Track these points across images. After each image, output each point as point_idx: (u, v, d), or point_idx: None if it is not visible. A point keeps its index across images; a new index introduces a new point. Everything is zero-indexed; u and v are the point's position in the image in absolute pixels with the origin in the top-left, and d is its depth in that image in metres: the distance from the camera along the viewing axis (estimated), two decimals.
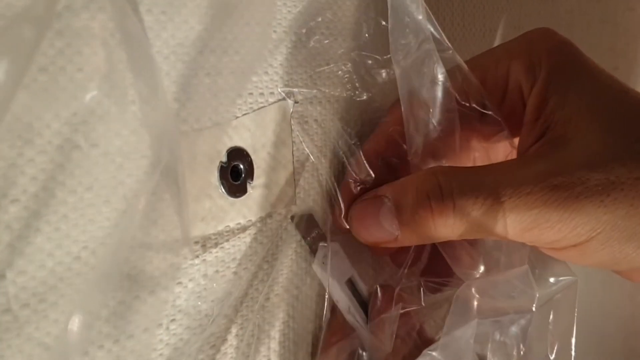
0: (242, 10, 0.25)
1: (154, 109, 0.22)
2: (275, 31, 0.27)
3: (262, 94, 0.27)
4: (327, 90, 0.29)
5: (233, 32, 0.25)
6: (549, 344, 0.27)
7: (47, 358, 0.20)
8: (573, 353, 0.27)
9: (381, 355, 0.28)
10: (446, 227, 0.24)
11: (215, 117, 0.25)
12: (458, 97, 0.26)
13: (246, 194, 0.26)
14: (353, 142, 0.29)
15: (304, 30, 0.28)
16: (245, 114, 0.26)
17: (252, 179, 0.26)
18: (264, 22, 0.26)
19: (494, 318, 0.25)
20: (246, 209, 0.26)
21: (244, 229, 0.26)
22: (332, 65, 0.29)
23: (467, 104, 0.27)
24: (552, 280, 0.27)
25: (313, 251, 0.28)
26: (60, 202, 0.21)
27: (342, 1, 0.29)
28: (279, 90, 0.27)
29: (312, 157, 0.28)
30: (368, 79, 0.30)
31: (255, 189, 0.26)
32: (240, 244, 0.26)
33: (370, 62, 0.30)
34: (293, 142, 0.28)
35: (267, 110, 0.27)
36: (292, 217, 0.28)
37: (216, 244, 0.25)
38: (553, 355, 0.27)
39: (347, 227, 0.28)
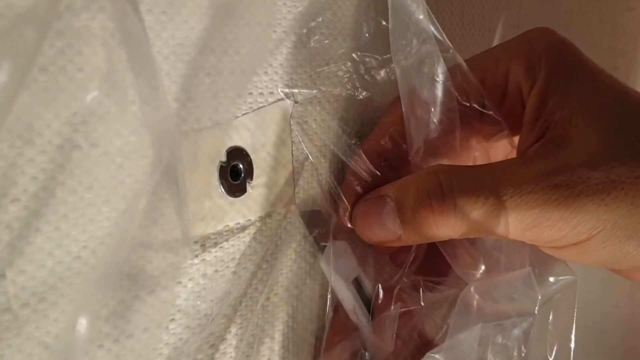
0: (242, 10, 0.25)
1: (154, 109, 0.22)
2: (275, 31, 0.27)
3: (262, 94, 0.27)
4: (327, 90, 0.29)
5: (233, 32, 0.25)
6: (548, 344, 0.27)
7: (47, 357, 0.20)
8: (572, 353, 0.27)
9: (383, 355, 0.28)
10: (447, 226, 0.24)
11: (215, 117, 0.25)
12: (458, 97, 0.26)
13: (246, 194, 0.26)
14: (353, 142, 0.29)
15: (304, 31, 0.28)
16: (245, 114, 0.26)
17: (251, 179, 0.26)
18: (264, 22, 0.26)
19: (497, 321, 0.25)
20: (246, 209, 0.26)
21: (243, 228, 0.26)
22: (332, 65, 0.29)
23: (467, 104, 0.27)
24: (551, 279, 0.27)
25: (320, 248, 0.28)
26: (61, 201, 0.21)
27: (342, 1, 0.29)
28: (279, 90, 0.27)
29: (310, 157, 0.28)
30: (368, 79, 0.30)
31: (255, 189, 0.26)
32: (239, 244, 0.26)
33: (370, 61, 0.30)
34: (293, 142, 0.28)
35: (267, 110, 0.27)
36: (299, 211, 0.28)
37: (216, 244, 0.25)
38: (552, 356, 0.27)
39: (351, 226, 0.28)
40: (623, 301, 0.57)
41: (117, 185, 0.22)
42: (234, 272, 0.26)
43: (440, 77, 0.26)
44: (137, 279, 0.23)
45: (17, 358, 0.20)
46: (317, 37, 0.28)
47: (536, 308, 0.25)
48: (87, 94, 0.21)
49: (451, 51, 0.26)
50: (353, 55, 0.30)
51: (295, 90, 0.28)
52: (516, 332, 0.25)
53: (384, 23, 0.30)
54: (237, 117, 0.26)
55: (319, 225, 0.28)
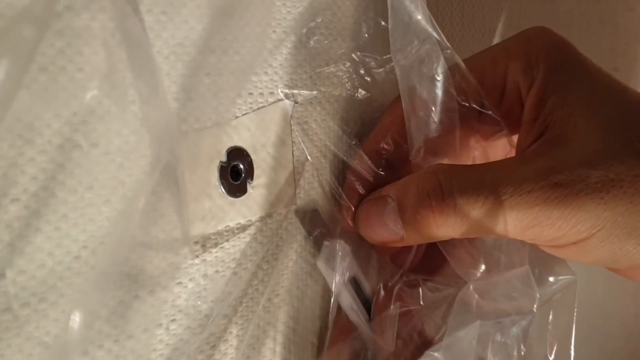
0: (242, 10, 0.26)
1: (154, 109, 0.22)
2: (275, 31, 0.27)
3: (262, 94, 0.27)
4: (327, 91, 0.29)
5: (233, 32, 0.25)
6: (548, 344, 0.27)
7: (47, 357, 0.20)
8: (572, 353, 0.27)
9: (384, 355, 0.28)
10: (447, 225, 0.24)
11: (215, 117, 0.25)
12: (457, 97, 0.27)
13: (246, 194, 0.26)
14: (353, 142, 0.29)
15: (304, 31, 0.28)
16: (245, 114, 0.26)
17: (252, 179, 0.26)
18: (263, 22, 0.26)
19: (496, 319, 0.25)
20: (246, 209, 0.26)
21: (243, 228, 0.26)
22: (332, 66, 0.29)
23: (466, 104, 0.27)
24: (551, 279, 0.27)
25: (318, 247, 0.28)
26: (61, 201, 0.21)
27: (341, 1, 0.29)
28: (279, 91, 0.27)
29: (310, 158, 0.28)
30: (368, 79, 0.30)
31: (255, 189, 0.26)
32: (240, 244, 0.26)
33: (370, 62, 0.30)
34: (293, 142, 0.28)
35: (267, 110, 0.27)
36: (296, 211, 0.28)
37: (216, 244, 0.25)
38: (552, 356, 0.27)
39: (353, 226, 0.28)
40: (626, 303, 0.56)
41: (117, 185, 0.22)
42: (235, 273, 0.26)
43: (440, 77, 0.26)
44: (137, 279, 0.23)
45: (17, 358, 0.20)
46: (316, 38, 0.28)
47: (535, 306, 0.25)
48: (87, 94, 0.21)
49: (449, 51, 0.26)
50: (353, 55, 0.30)
51: (296, 91, 0.28)
52: (515, 330, 0.25)
53: (383, 23, 0.30)
54: (237, 117, 0.26)
55: (319, 225, 0.28)
